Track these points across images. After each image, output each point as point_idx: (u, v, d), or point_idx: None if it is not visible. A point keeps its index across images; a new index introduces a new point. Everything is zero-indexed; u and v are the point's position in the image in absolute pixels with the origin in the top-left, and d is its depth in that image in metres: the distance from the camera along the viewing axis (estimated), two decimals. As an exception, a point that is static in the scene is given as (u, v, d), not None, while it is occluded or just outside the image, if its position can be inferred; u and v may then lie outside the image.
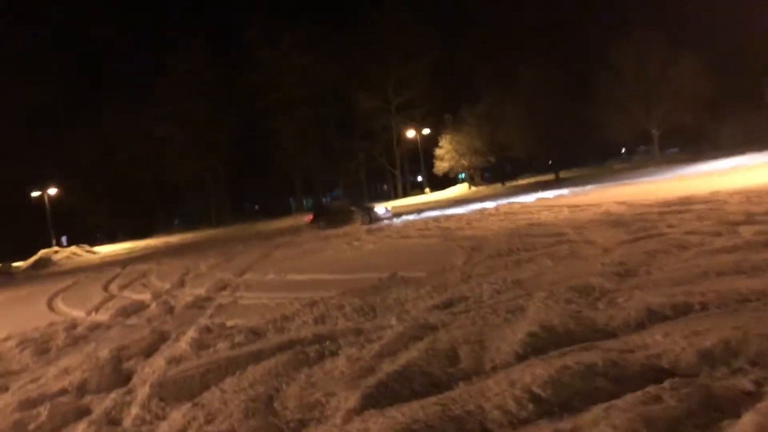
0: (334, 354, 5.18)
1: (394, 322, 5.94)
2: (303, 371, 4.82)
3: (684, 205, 13.17)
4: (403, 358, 4.53)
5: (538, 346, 4.32)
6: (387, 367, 4.37)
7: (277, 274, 12.13)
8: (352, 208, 28.85)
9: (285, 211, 66.94)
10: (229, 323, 7.59)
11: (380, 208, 29.13)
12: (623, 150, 70.45)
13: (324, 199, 68.94)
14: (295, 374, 4.77)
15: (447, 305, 6.39)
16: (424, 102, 60.65)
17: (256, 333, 6.53)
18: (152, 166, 66.36)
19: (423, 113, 60.89)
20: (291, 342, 5.66)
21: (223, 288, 11.44)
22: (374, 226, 24.10)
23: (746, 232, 7.93)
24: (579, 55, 54.10)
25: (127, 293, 13.38)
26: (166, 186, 68.79)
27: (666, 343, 3.90)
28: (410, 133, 60.68)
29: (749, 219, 9.12)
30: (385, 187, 74.06)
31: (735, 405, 2.94)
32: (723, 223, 9.11)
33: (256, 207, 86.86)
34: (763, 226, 8.27)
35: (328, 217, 28.83)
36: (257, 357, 5.32)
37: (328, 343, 5.50)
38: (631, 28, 47.29)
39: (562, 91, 50.81)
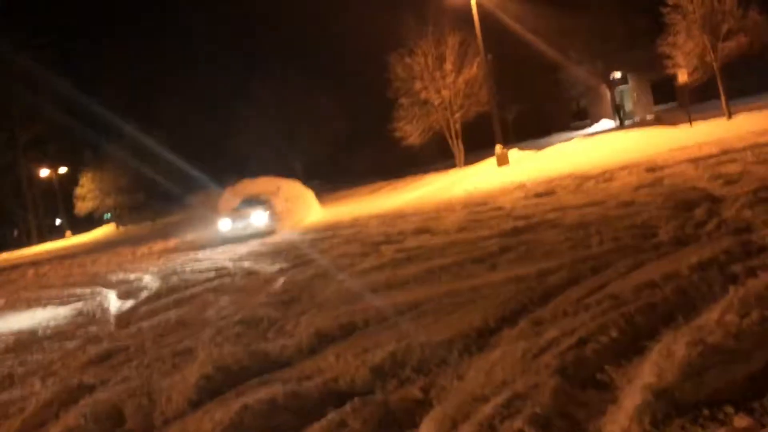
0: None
1: (38, 387, 5.04)
2: None
3: (332, 230, 14.17)
4: (54, 430, 3.83)
5: (213, 388, 4.03)
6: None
7: None
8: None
9: None
10: None
11: (228, 218, 18.07)
12: None
13: None
14: None
15: (104, 358, 5.67)
16: (59, 137, 54.43)
17: None
18: None
19: (57, 149, 54.71)
20: None
21: None
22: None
23: (387, 251, 8.77)
24: (223, 88, 55.11)
25: None
26: None
27: (340, 364, 3.98)
28: (44, 172, 54.10)
29: (387, 239, 10.13)
30: (16, 232, 64.74)
31: (411, 415, 3.08)
32: (367, 245, 9.95)
33: None
34: (399, 245, 9.26)
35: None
36: None
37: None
38: (272, 65, 49.72)
39: (206, 124, 51.00)
